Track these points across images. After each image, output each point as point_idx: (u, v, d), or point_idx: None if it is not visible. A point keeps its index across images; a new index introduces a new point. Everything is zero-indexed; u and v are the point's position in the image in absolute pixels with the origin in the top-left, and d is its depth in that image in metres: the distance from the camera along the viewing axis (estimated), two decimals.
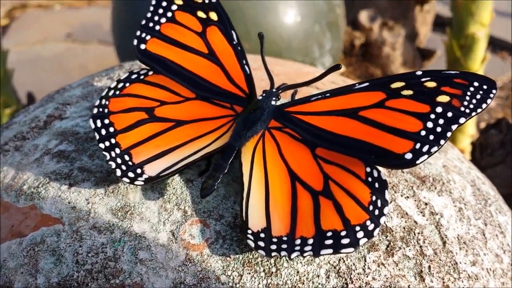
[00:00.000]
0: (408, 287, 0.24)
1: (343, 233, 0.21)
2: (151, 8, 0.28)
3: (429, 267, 0.25)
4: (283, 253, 0.21)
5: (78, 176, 0.26)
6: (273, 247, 0.22)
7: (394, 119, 0.23)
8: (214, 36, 0.28)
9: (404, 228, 0.26)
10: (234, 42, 0.28)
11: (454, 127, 0.23)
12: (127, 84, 0.26)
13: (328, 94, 0.25)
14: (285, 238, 0.22)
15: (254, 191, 0.23)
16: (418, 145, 0.22)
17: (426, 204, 0.27)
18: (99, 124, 0.24)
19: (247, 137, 0.25)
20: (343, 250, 0.21)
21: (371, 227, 0.21)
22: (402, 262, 0.24)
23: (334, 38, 0.66)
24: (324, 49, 0.63)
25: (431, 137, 0.22)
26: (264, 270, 0.23)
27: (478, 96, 0.23)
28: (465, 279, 0.25)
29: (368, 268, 0.24)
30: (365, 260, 0.24)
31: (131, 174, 0.23)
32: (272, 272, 0.23)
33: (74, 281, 0.22)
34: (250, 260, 0.23)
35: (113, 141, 0.24)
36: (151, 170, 0.24)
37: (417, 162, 0.22)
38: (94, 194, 0.25)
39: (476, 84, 0.23)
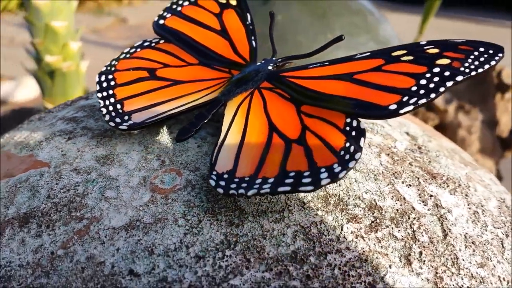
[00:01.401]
0: (389, 266, 0.21)
1: (306, 173, 0.20)
2: None
3: (420, 253, 0.22)
4: (241, 191, 0.20)
5: (78, 133, 0.27)
6: (233, 186, 0.20)
7: (387, 79, 0.22)
8: (229, 17, 0.29)
9: (397, 210, 0.23)
10: (247, 23, 0.28)
11: (449, 83, 0.21)
12: (138, 50, 0.27)
13: (327, 63, 0.25)
14: (247, 179, 0.20)
15: (229, 138, 0.22)
16: (405, 98, 0.21)
17: (431, 196, 0.24)
18: (103, 78, 0.26)
19: (235, 93, 0.25)
20: (302, 188, 0.19)
21: (337, 169, 0.19)
22: (386, 240, 0.22)
23: None
24: None
25: (422, 91, 0.21)
26: (226, 220, 0.21)
27: (482, 59, 0.22)
28: (466, 277, 0.22)
29: (344, 237, 0.21)
30: (341, 229, 0.22)
31: (117, 120, 0.24)
32: (234, 223, 0.21)
33: (39, 211, 0.22)
34: (214, 209, 0.22)
35: (110, 92, 0.25)
36: (137, 117, 0.24)
37: (400, 111, 0.21)
38: (86, 145, 0.26)
39: (481, 49, 0.22)
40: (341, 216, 0.22)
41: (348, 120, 0.21)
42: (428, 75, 0.22)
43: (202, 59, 0.27)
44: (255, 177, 0.20)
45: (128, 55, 0.27)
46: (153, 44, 0.28)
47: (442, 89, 0.21)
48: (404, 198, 0.24)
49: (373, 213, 0.22)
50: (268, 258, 0.20)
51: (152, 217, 0.21)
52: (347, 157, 0.20)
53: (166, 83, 0.25)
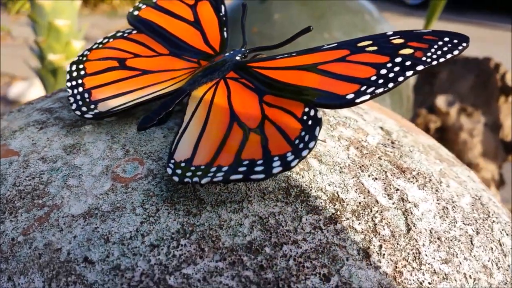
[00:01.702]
0: (347, 259, 0.21)
1: (259, 162, 0.20)
2: None
3: (380, 246, 0.22)
4: (195, 179, 0.20)
5: (50, 123, 0.27)
6: (188, 174, 0.20)
7: (349, 69, 0.22)
8: (203, 8, 0.29)
9: (360, 203, 0.23)
10: (221, 14, 0.29)
11: (409, 73, 0.21)
12: (111, 40, 0.27)
13: (294, 53, 0.25)
14: (202, 167, 0.20)
15: (190, 128, 0.22)
16: (363, 88, 0.21)
17: (397, 190, 0.24)
18: (74, 68, 0.26)
19: (201, 82, 0.25)
20: (253, 176, 0.19)
21: (290, 158, 0.19)
22: (346, 233, 0.22)
23: (396, 105, 0.64)
24: None
25: (380, 80, 0.21)
26: (184, 210, 0.21)
27: (445, 48, 0.22)
28: (427, 273, 0.22)
29: (302, 228, 0.21)
30: (300, 220, 0.21)
31: (84, 108, 0.24)
32: (192, 212, 0.21)
33: (4, 199, 0.23)
34: (173, 198, 0.22)
35: (79, 81, 0.25)
36: (104, 106, 0.24)
37: (357, 101, 0.21)
38: (56, 135, 0.26)
39: (446, 39, 0.22)
40: (301, 208, 0.22)
41: (306, 109, 0.21)
42: (389, 64, 0.21)
43: (173, 49, 0.27)
44: (210, 165, 0.20)
45: (100, 45, 0.27)
46: (125, 35, 0.28)
47: (401, 79, 0.21)
48: (369, 191, 0.23)
49: (334, 205, 0.22)
50: (223, 248, 0.20)
51: (111, 206, 0.21)
52: (301, 146, 0.20)
53: (135, 73, 0.26)
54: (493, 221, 0.26)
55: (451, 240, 0.23)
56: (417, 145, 0.29)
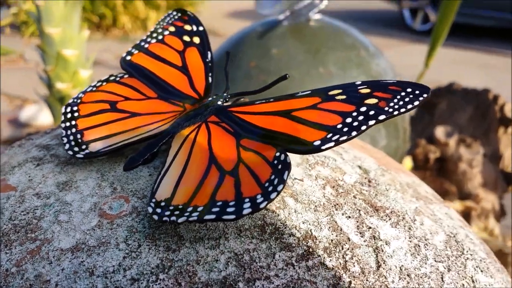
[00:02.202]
0: None
1: (231, 203, 0.21)
2: (148, 33, 0.32)
3: (350, 282, 0.23)
4: (173, 218, 0.22)
5: (47, 159, 0.29)
6: (167, 213, 0.22)
7: (318, 116, 0.24)
8: (191, 54, 0.31)
9: (332, 240, 0.24)
10: (207, 60, 0.30)
11: (371, 122, 0.22)
12: (104, 83, 0.29)
13: (272, 99, 0.26)
14: (180, 207, 0.22)
15: (172, 168, 0.24)
16: (329, 135, 0.22)
17: (370, 228, 0.26)
18: (68, 110, 0.28)
19: (184, 126, 0.26)
20: (225, 217, 0.21)
21: (259, 200, 0.21)
22: (317, 269, 0.23)
23: (391, 136, 0.65)
24: (377, 146, 0.63)
25: (345, 129, 0.23)
26: (164, 246, 0.23)
27: (407, 99, 0.23)
28: None
29: (274, 265, 0.23)
30: (273, 257, 0.23)
31: (76, 148, 0.26)
32: (171, 248, 0.23)
33: (1, 232, 0.24)
34: (155, 235, 0.23)
35: (73, 122, 0.27)
36: (94, 147, 0.26)
37: (322, 148, 0.22)
38: (51, 171, 0.28)
39: (408, 90, 0.24)
40: (275, 245, 0.23)
41: (277, 154, 0.23)
42: (354, 113, 0.23)
43: (161, 93, 0.29)
44: (187, 205, 0.22)
45: (94, 88, 0.29)
46: (118, 79, 0.30)
47: (363, 128, 0.22)
48: (341, 229, 0.25)
49: (307, 243, 0.24)
50: (198, 283, 0.21)
51: (97, 241, 0.23)
52: (270, 188, 0.21)
53: (125, 115, 0.27)
54: (467, 258, 0.28)
55: (421, 277, 0.25)
56: (394, 183, 0.30)
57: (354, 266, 0.23)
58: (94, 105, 0.28)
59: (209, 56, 0.31)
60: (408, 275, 0.24)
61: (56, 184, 0.26)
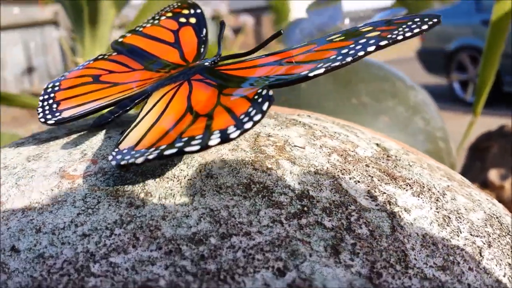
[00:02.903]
0: (310, 254, 0.17)
1: (198, 137, 0.18)
2: (146, 20, 0.30)
3: (354, 244, 0.18)
4: (131, 160, 0.18)
5: (28, 142, 0.26)
6: (127, 157, 0.19)
7: (312, 56, 0.21)
8: (185, 32, 0.29)
9: (333, 201, 0.20)
10: (201, 35, 0.28)
11: (371, 48, 0.20)
12: (92, 61, 0.27)
13: (263, 55, 0.23)
14: (143, 150, 0.19)
15: (143, 122, 0.21)
16: (320, 65, 0.19)
17: (384, 193, 0.21)
18: (50, 85, 0.26)
19: (164, 84, 0.24)
20: (187, 149, 0.17)
21: (231, 131, 0.17)
22: (312, 228, 0.18)
23: None
24: None
25: (339, 57, 0.20)
26: (127, 202, 0.19)
27: (414, 26, 0.20)
28: (415, 277, 0.18)
29: (258, 221, 0.18)
30: (257, 214, 0.19)
31: (48, 116, 0.24)
32: (135, 204, 0.19)
33: None
34: (118, 192, 0.20)
35: (52, 95, 0.25)
36: (67, 113, 0.24)
37: (310, 75, 0.19)
38: (26, 149, 0.25)
39: (417, 19, 0.21)
40: (261, 202, 0.19)
41: (260, 90, 0.19)
42: (352, 45, 0.20)
43: (147, 64, 0.27)
44: (150, 148, 0.18)
45: (80, 67, 0.27)
46: (106, 56, 0.28)
47: (361, 53, 0.19)
48: (347, 192, 0.20)
49: (301, 202, 0.19)
50: (161, 237, 0.17)
51: (52, 200, 0.20)
52: (245, 119, 0.18)
53: (105, 86, 0.25)
54: None
55: (451, 248, 0.19)
56: (420, 162, 0.26)
57: (361, 228, 0.19)
58: (76, 80, 0.26)
59: (204, 32, 0.29)
60: (433, 244, 0.19)
61: (27, 157, 0.24)
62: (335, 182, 0.21)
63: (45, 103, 0.25)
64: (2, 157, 0.25)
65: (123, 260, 0.17)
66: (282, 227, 0.18)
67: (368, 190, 0.21)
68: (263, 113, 0.18)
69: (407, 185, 0.22)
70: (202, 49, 0.27)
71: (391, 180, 0.22)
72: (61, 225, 0.18)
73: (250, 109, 0.18)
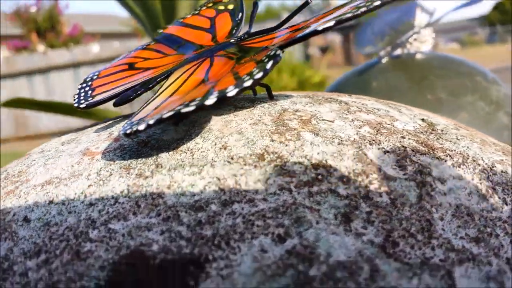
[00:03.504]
0: (317, 222, 0.16)
1: (197, 99, 0.17)
2: (191, 12, 0.31)
3: (370, 212, 0.16)
4: (135, 127, 0.18)
5: (72, 131, 0.27)
6: (134, 126, 0.18)
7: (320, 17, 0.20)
8: (222, 17, 0.28)
9: (353, 170, 0.18)
10: (237, 19, 0.28)
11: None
12: (132, 52, 0.28)
13: (287, 27, 0.23)
14: (148, 118, 0.18)
15: (160, 95, 0.21)
16: (332, 17, 0.18)
17: (415, 163, 0.19)
18: (90, 75, 0.27)
19: (187, 62, 0.23)
20: (184, 110, 0.17)
21: (230, 89, 0.16)
22: (323, 196, 0.17)
23: None
24: None
25: (350, 13, 0.18)
26: (137, 173, 0.19)
27: None
28: (440, 248, 0.16)
29: (265, 189, 0.17)
30: (265, 182, 0.17)
31: (82, 100, 0.24)
32: (143, 175, 0.19)
33: None
34: (130, 165, 0.19)
35: (89, 83, 0.26)
36: (99, 97, 0.24)
37: (319, 29, 0.18)
38: (65, 137, 0.26)
39: None
40: (272, 171, 0.18)
41: (269, 52, 0.18)
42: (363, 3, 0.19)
43: (180, 49, 0.27)
44: (153, 112, 0.18)
45: (121, 58, 0.28)
46: (144, 46, 0.28)
47: (377, 3, 0.18)
48: (371, 161, 0.19)
49: (316, 170, 0.18)
50: (162, 205, 0.17)
51: (70, 174, 0.20)
52: (246, 78, 0.17)
53: (138, 71, 0.25)
54: None
55: (490, 220, 0.17)
56: (471, 137, 0.23)
57: (380, 197, 0.17)
58: (113, 68, 0.27)
59: (239, 16, 0.28)
60: (468, 215, 0.17)
61: (62, 142, 0.24)
62: (360, 151, 0.19)
63: (82, 90, 0.25)
64: (43, 145, 0.26)
65: (122, 226, 0.16)
66: (290, 194, 0.17)
67: (398, 160, 0.19)
68: (265, 71, 0.17)
69: (447, 156, 0.20)
70: (234, 31, 0.27)
71: (429, 150, 0.20)
72: (72, 196, 0.18)
73: (254, 69, 0.17)
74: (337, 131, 0.21)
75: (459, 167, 0.19)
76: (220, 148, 0.19)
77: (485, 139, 0.24)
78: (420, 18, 0.59)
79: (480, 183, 0.19)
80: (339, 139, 0.20)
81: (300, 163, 0.18)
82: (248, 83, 0.16)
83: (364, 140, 0.20)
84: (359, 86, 0.58)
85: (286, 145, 0.19)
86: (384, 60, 0.60)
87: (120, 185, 0.18)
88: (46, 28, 3.58)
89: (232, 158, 0.19)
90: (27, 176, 0.21)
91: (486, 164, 0.20)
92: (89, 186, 0.19)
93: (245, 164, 0.18)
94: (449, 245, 0.16)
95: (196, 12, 0.30)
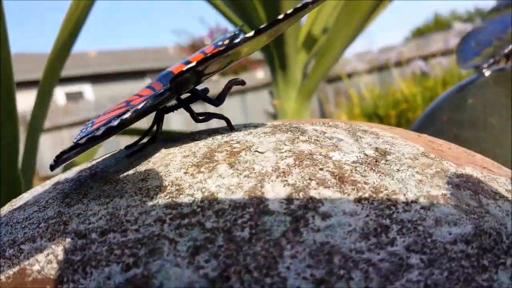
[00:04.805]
0: (167, 254, 0.17)
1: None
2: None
3: (221, 246, 0.17)
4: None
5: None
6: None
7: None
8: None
9: (235, 204, 0.18)
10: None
11: None
12: (138, 90, 0.31)
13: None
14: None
15: None
16: None
17: (307, 197, 0.18)
18: (99, 114, 0.31)
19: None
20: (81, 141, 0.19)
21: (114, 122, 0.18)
22: (188, 228, 0.18)
23: None
24: None
25: None
26: (67, 202, 0.21)
27: None
28: (269, 287, 0.15)
29: (144, 221, 0.18)
30: (149, 214, 0.19)
31: (78, 136, 0.28)
32: (70, 204, 0.21)
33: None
34: (70, 193, 0.22)
35: (94, 120, 0.29)
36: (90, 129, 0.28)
37: None
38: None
39: None
40: (162, 202, 0.19)
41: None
42: None
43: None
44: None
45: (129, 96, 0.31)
46: (148, 84, 0.31)
47: None
48: (262, 194, 0.19)
49: (202, 203, 0.19)
50: (71, 232, 0.19)
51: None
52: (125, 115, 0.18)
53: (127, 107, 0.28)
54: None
55: (353, 261, 0.16)
56: (427, 168, 0.21)
57: (242, 231, 0.17)
58: (117, 106, 0.30)
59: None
60: (328, 254, 0.16)
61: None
62: (258, 184, 0.19)
63: (83, 127, 0.29)
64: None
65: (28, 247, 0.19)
66: (161, 226, 0.18)
67: (292, 193, 0.18)
68: (137, 112, 0.18)
69: (353, 190, 0.19)
70: None
71: (337, 183, 0.19)
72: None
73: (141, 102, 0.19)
74: (255, 164, 0.21)
75: (359, 202, 0.18)
76: (140, 180, 0.21)
77: (455, 171, 0.21)
78: None
79: (374, 221, 0.17)
80: (248, 172, 0.20)
81: (191, 195, 0.19)
82: (114, 123, 0.18)
83: (275, 172, 0.20)
84: (455, 106, 0.53)
85: (194, 178, 0.20)
86: (486, 74, 0.55)
87: (51, 212, 0.21)
88: None
89: (139, 189, 0.20)
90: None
91: (404, 200, 0.18)
92: (34, 212, 0.22)
93: (144, 196, 0.20)
94: (281, 285, 0.15)
95: (200, 50, 0.32)
